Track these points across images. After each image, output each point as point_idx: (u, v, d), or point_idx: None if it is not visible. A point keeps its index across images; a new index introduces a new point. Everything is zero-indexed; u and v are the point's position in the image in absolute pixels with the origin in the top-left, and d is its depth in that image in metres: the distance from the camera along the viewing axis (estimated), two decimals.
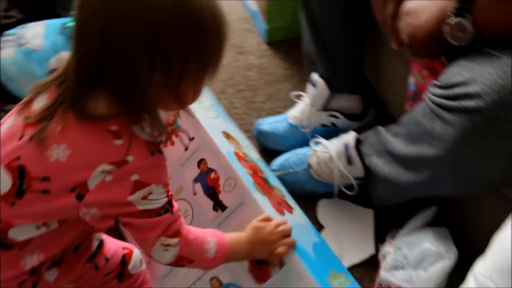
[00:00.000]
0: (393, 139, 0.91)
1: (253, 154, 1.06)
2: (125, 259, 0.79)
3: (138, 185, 0.58)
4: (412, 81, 0.93)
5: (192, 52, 0.56)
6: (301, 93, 1.25)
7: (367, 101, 1.22)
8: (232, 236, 0.76)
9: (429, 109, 0.78)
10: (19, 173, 0.57)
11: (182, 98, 0.60)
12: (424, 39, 0.78)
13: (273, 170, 1.15)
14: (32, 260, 0.61)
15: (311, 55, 1.20)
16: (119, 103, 0.55)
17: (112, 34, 0.52)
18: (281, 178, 1.13)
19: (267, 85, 1.43)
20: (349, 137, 1.07)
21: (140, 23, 0.52)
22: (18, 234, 0.59)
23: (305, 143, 1.18)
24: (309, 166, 1.12)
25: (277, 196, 0.96)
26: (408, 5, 0.81)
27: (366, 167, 1.02)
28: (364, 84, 1.21)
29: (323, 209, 1.13)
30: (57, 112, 0.56)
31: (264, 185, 0.95)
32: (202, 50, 0.58)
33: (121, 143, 0.56)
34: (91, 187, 0.57)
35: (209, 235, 0.71)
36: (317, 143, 1.13)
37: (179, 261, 0.67)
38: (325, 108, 1.19)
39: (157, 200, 0.61)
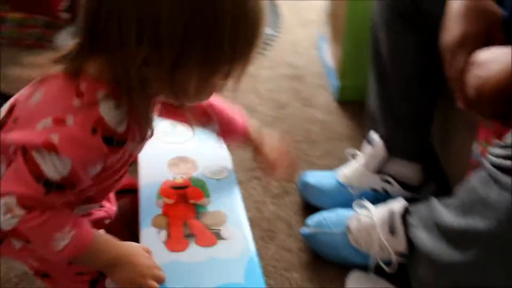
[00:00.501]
0: (443, 209, 0.78)
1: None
2: None
3: (48, 144, 0.53)
4: (477, 149, 0.81)
5: (194, 42, 0.52)
6: (358, 151, 1.15)
7: (428, 172, 1.08)
8: (102, 234, 0.66)
9: (487, 173, 0.65)
10: (8, 110, 0.61)
11: (180, 89, 0.55)
12: (493, 94, 0.67)
13: (308, 226, 1.04)
14: None
15: (374, 111, 1.11)
16: (108, 72, 0.52)
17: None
18: (314, 236, 1.02)
19: (327, 141, 1.35)
20: (397, 204, 0.95)
21: None
22: None
23: (350, 205, 1.06)
24: (348, 230, 1.00)
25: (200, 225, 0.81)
26: (479, 56, 0.71)
27: (410, 242, 0.89)
28: (427, 152, 1.09)
29: (354, 282, 0.99)
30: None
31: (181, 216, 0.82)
32: (209, 45, 0.53)
33: (76, 104, 0.54)
34: None
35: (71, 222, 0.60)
36: (362, 206, 1.01)
37: (15, 233, 0.57)
38: (379, 171, 1.08)
39: (49, 166, 0.54)
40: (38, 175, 0.54)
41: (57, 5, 1.54)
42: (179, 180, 0.88)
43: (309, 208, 1.13)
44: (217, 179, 0.91)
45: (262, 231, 1.10)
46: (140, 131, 0.61)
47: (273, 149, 0.88)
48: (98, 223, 0.73)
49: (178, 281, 0.68)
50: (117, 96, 0.55)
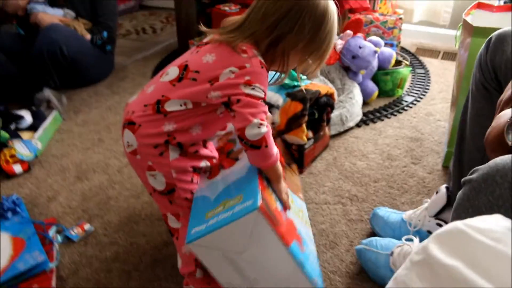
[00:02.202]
0: None
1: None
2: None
3: (248, 81, 0.92)
4: None
5: (308, 32, 0.96)
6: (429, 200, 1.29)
7: None
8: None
9: None
10: (184, 67, 0.96)
11: (288, 60, 0.99)
12: (492, 142, 0.83)
13: (361, 243, 1.23)
14: (168, 126, 0.95)
15: (451, 169, 1.26)
16: (268, 45, 0.97)
17: (284, 13, 0.95)
18: (363, 252, 1.20)
19: (416, 194, 1.50)
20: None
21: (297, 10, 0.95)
22: (169, 106, 0.95)
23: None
24: (391, 253, 1.16)
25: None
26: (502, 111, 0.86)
27: None
28: None
29: None
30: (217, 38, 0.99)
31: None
32: (313, 35, 0.97)
33: (245, 56, 0.93)
34: (221, 80, 0.92)
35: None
36: (409, 239, 1.17)
37: (261, 141, 0.91)
38: (437, 216, 1.21)
39: (258, 92, 0.92)
40: (258, 99, 0.92)
41: None
42: None
43: (374, 236, 1.31)
44: None
45: (327, 240, 1.32)
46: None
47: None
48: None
49: None
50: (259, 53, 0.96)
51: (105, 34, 2.30)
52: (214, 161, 1.08)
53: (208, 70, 0.94)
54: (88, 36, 2.24)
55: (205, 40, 1.01)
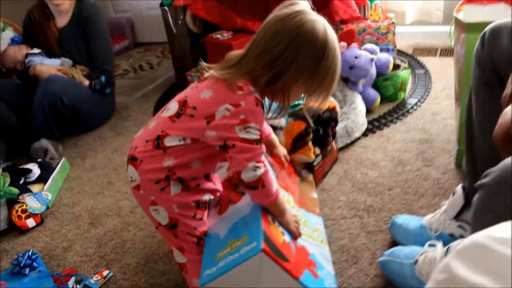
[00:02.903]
0: None
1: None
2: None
3: (243, 121, 0.91)
4: None
5: (308, 68, 0.92)
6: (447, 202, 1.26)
7: None
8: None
9: None
10: (183, 103, 0.97)
11: (288, 96, 0.96)
12: (501, 139, 0.81)
13: (384, 255, 1.20)
14: (168, 161, 0.96)
15: (464, 167, 1.23)
16: (267, 81, 0.93)
17: (282, 49, 0.91)
18: (388, 264, 1.18)
19: (433, 196, 1.47)
20: (458, 241, 1.06)
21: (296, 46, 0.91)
22: (168, 141, 0.95)
23: None
24: (416, 262, 1.13)
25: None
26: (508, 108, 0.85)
27: None
28: None
29: None
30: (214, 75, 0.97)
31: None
32: (314, 69, 0.92)
33: (241, 94, 0.91)
34: (217, 118, 0.92)
35: (275, 180, 0.98)
36: (433, 245, 1.14)
37: (257, 182, 0.93)
38: (457, 218, 1.19)
39: (253, 134, 0.92)
40: (252, 142, 0.92)
41: None
42: None
43: (396, 246, 1.27)
44: None
45: (349, 256, 1.29)
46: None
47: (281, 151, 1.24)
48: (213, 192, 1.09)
49: None
50: (256, 89, 0.93)
51: (103, 78, 2.33)
52: (218, 194, 1.08)
53: (205, 106, 0.94)
54: (86, 83, 2.27)
55: (205, 75, 1.02)
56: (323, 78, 0.95)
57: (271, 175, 0.96)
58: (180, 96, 1.01)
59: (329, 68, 0.94)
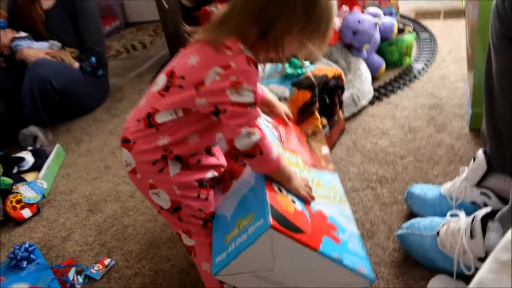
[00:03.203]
0: None
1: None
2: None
3: (234, 83, 0.81)
4: None
5: (302, 15, 0.82)
6: (467, 168, 1.18)
7: None
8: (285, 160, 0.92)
9: None
10: (170, 74, 0.87)
11: (282, 48, 0.85)
12: None
13: (402, 228, 1.13)
14: (162, 140, 0.87)
15: (484, 131, 1.15)
16: (257, 35, 0.83)
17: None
18: (406, 237, 1.10)
19: (448, 163, 1.39)
20: (483, 211, 0.98)
21: None
22: (159, 117, 0.86)
23: None
24: (438, 233, 1.06)
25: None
26: None
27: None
28: None
29: (435, 283, 1.02)
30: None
31: None
32: (308, 16, 0.83)
33: (230, 54, 0.81)
34: (206, 84, 0.82)
35: (274, 145, 0.88)
36: (455, 215, 1.06)
37: (254, 149, 0.84)
38: (480, 185, 1.11)
39: (246, 96, 0.81)
40: (245, 106, 0.82)
41: None
42: None
43: (413, 217, 1.19)
44: None
45: (364, 230, 1.22)
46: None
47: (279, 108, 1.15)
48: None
49: None
50: (246, 46, 0.83)
51: (93, 59, 2.22)
52: (222, 169, 0.99)
53: (193, 73, 0.84)
54: (76, 65, 2.17)
55: (192, 41, 0.92)
56: (318, 24, 0.85)
57: (269, 140, 0.86)
58: (167, 67, 0.91)
59: (324, 12, 0.85)
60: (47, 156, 1.81)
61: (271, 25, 0.83)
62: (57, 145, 1.91)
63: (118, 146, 1.91)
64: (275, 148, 0.88)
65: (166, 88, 0.87)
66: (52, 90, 2.00)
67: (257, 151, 0.84)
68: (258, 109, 0.86)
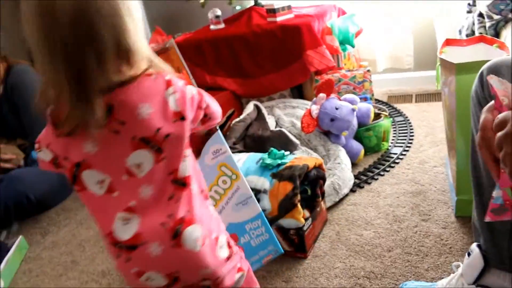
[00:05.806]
0: None
1: None
2: None
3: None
4: (499, 194, 0.78)
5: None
6: (461, 264, 1.12)
7: None
8: None
9: None
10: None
11: None
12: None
13: None
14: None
15: (475, 223, 1.10)
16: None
17: None
18: None
19: (438, 255, 1.33)
20: None
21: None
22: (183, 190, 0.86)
23: None
24: None
25: None
26: None
27: None
28: None
29: None
30: None
31: None
32: None
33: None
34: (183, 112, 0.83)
35: None
36: None
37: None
38: (477, 283, 1.04)
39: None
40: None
41: None
42: None
43: None
44: None
45: None
46: None
47: None
48: None
49: None
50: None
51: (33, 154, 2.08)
52: None
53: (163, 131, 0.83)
54: (21, 162, 2.10)
55: None
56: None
57: None
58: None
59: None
60: (7, 250, 1.67)
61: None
62: (20, 237, 1.77)
63: (86, 237, 1.79)
64: None
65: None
66: (28, 203, 1.94)
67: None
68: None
